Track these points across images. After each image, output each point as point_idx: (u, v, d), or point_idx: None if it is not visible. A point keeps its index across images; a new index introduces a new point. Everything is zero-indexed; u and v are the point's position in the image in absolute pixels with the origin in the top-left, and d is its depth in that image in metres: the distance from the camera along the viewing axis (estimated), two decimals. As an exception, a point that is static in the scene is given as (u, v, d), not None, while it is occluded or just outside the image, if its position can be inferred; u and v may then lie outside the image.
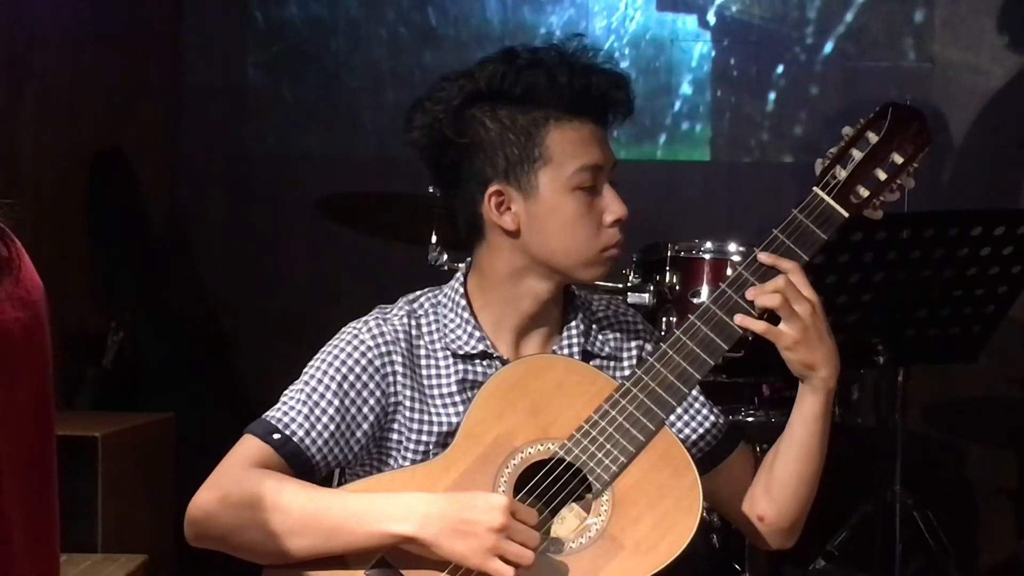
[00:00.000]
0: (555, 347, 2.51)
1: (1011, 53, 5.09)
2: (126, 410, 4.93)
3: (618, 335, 2.58)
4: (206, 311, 5.65)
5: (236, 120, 5.64)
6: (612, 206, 2.44)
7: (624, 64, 5.33)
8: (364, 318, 2.49)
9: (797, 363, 2.38)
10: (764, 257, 2.37)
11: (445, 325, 2.48)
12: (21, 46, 4.83)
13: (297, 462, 2.37)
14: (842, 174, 2.40)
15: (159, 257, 5.62)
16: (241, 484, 2.32)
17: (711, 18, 5.33)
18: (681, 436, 2.52)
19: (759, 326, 2.34)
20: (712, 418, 2.58)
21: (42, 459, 1.72)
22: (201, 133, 5.65)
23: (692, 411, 2.57)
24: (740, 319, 2.35)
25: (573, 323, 2.52)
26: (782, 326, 2.35)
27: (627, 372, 2.52)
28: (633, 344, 2.58)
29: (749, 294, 2.36)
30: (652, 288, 3.96)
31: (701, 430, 2.57)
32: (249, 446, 2.38)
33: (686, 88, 5.37)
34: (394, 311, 2.50)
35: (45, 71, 4.97)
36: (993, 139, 5.12)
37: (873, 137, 2.42)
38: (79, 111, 5.16)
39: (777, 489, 2.48)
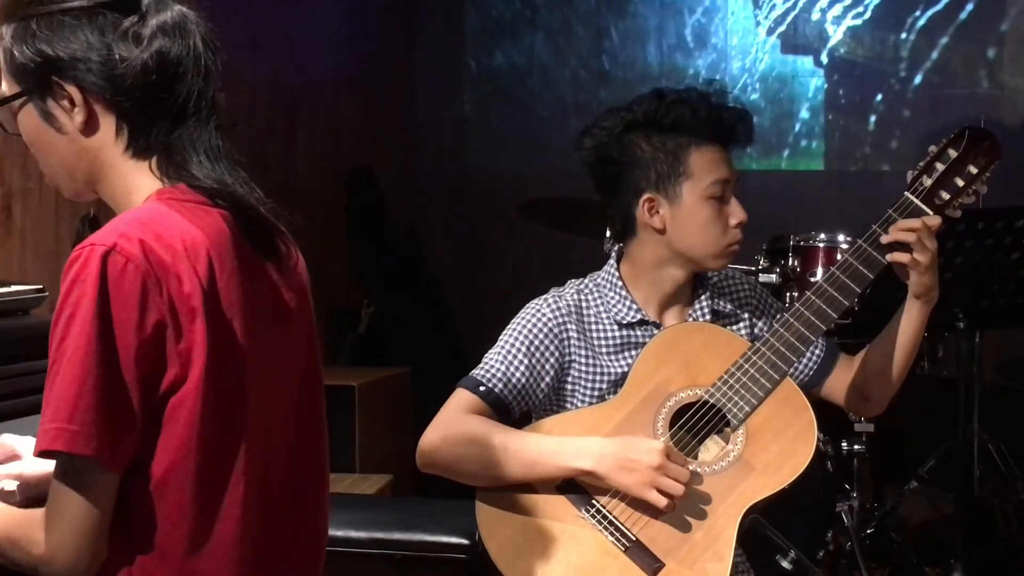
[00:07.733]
0: (690, 313, 2.50)
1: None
2: (375, 366, 4.98)
3: (732, 295, 2.55)
4: (435, 291, 5.72)
5: (456, 144, 5.69)
6: (736, 212, 2.43)
7: (754, 96, 5.30)
8: (543, 296, 2.48)
9: (922, 284, 2.35)
10: (896, 225, 2.33)
11: (608, 301, 2.47)
12: (297, 90, 4.93)
13: (498, 407, 2.39)
14: (928, 182, 2.35)
15: (399, 249, 5.69)
16: (458, 427, 2.35)
17: (824, 58, 5.30)
18: (798, 362, 2.51)
19: (904, 257, 2.31)
20: (816, 343, 2.54)
21: (311, 401, 1.79)
22: (430, 155, 5.71)
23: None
24: (892, 255, 2.33)
25: (703, 296, 2.50)
26: (916, 255, 2.31)
27: (744, 320, 2.52)
28: (743, 299, 2.55)
29: (894, 228, 2.33)
30: (778, 270, 3.97)
31: (811, 354, 2.55)
32: (462, 397, 2.40)
33: (804, 113, 5.33)
34: (566, 291, 2.49)
35: (314, 107, 5.06)
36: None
37: (953, 153, 2.36)
38: (338, 138, 5.22)
39: (886, 376, 2.47)
